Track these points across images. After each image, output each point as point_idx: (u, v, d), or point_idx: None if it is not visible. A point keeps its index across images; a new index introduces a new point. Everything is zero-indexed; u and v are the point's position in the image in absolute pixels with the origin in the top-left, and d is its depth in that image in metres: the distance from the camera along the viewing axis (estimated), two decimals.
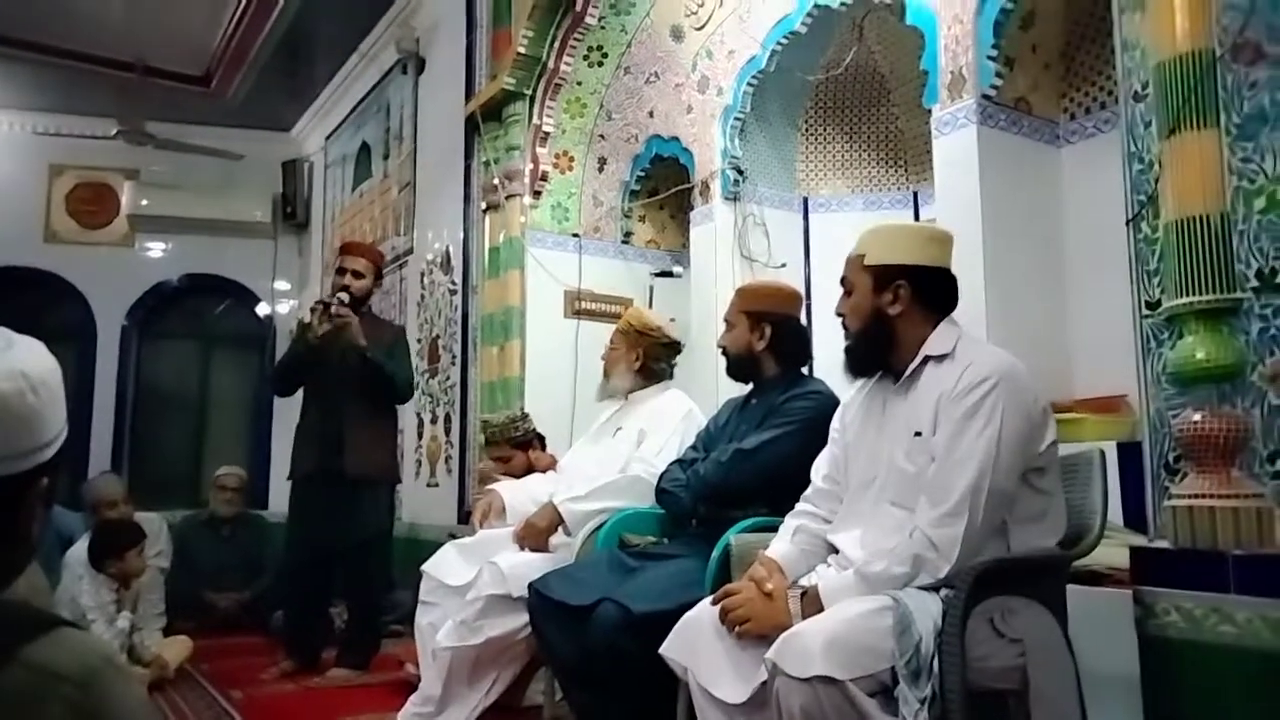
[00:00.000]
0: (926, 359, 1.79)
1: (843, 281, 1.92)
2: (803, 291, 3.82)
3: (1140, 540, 2.00)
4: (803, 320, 2.62)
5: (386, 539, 3.90)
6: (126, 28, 5.91)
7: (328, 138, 7.23)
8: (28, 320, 7.00)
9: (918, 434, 1.73)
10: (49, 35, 6.01)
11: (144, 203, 7.23)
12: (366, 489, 3.70)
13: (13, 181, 7.12)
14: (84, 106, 6.85)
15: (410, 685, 3.00)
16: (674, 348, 3.08)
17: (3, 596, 0.93)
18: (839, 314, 1.93)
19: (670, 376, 3.09)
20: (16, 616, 0.83)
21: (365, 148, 6.59)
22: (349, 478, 3.62)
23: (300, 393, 3.91)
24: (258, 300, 7.68)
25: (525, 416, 3.76)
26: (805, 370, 2.60)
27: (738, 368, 2.54)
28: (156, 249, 7.52)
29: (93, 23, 5.84)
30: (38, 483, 0.92)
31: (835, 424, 2.01)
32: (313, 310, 3.69)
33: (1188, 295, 1.84)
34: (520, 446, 3.65)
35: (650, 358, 3.01)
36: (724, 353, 2.56)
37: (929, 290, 1.82)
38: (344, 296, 3.68)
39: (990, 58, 2.73)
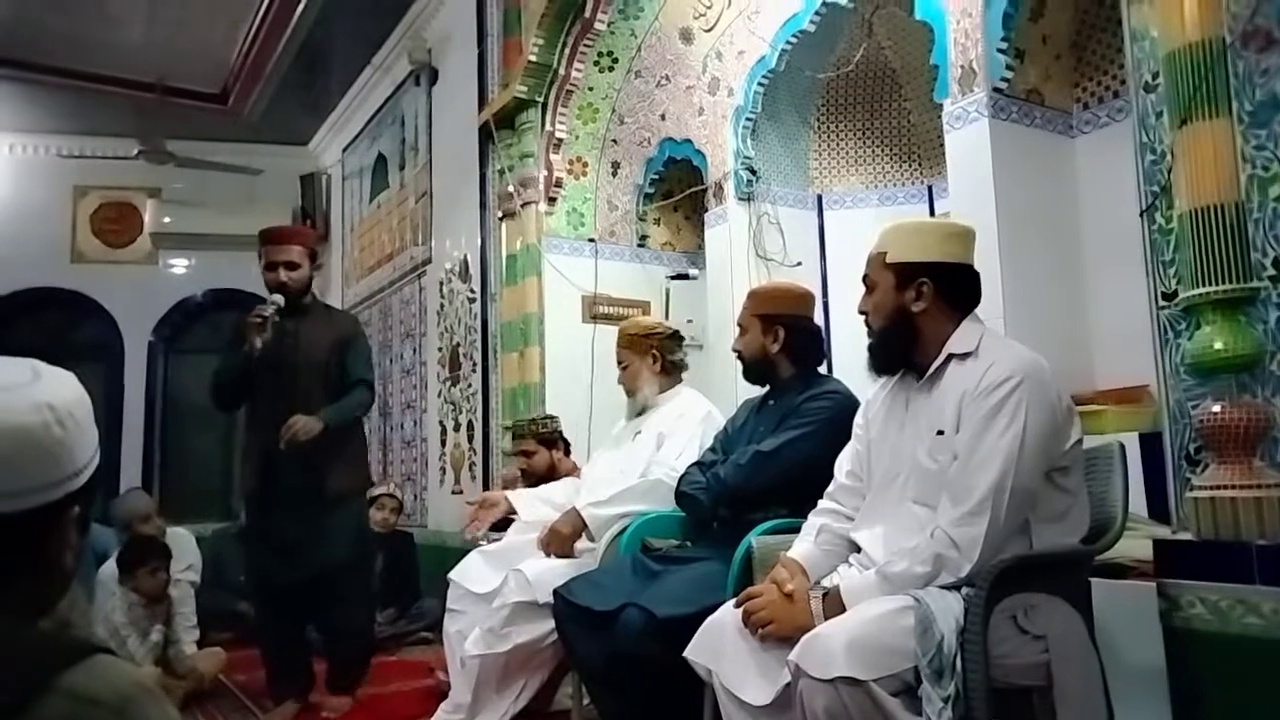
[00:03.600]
0: (950, 357, 1.78)
1: (865, 279, 1.91)
2: (819, 289, 3.84)
3: (1164, 532, 1.99)
4: (816, 320, 2.62)
5: (368, 555, 3.58)
6: (144, 49, 6.00)
7: (344, 150, 7.29)
8: (56, 340, 7.15)
9: (940, 432, 1.73)
10: (69, 59, 6.12)
11: (166, 220, 7.36)
12: (341, 506, 3.28)
13: (39, 203, 7.27)
14: (105, 128, 6.96)
15: (441, 693, 3.03)
16: (678, 337, 3.09)
17: (42, 622, 0.95)
18: (861, 311, 1.93)
19: (686, 367, 3.10)
20: (54, 645, 0.85)
21: (382, 159, 6.64)
22: (326, 496, 3.20)
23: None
24: None
25: (553, 417, 3.80)
26: (821, 369, 2.60)
27: (753, 371, 2.55)
28: (180, 265, 7.64)
29: (111, 45, 5.94)
30: (68, 512, 0.93)
31: (859, 420, 2.01)
32: (249, 326, 3.22)
33: (1204, 285, 1.84)
34: (546, 444, 3.68)
35: (666, 354, 3.02)
36: (739, 357, 2.56)
37: (952, 287, 1.81)
38: (279, 299, 3.23)
39: (1000, 50, 2.71)
